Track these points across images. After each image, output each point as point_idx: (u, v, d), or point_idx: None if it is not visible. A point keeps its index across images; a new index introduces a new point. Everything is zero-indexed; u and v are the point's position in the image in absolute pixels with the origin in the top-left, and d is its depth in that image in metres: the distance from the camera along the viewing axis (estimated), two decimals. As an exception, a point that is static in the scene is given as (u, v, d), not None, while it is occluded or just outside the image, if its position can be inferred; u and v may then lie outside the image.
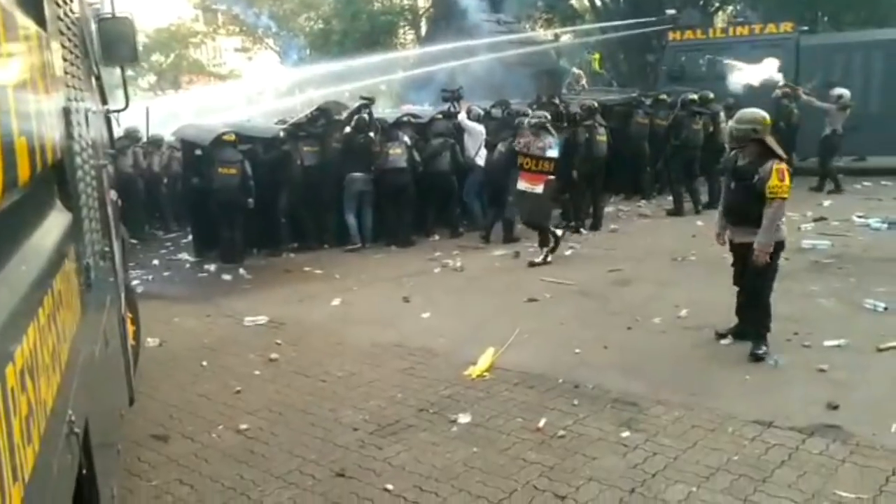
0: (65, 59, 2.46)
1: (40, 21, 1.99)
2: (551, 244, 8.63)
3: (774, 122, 13.26)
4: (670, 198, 11.79)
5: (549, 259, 8.55)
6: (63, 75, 2.38)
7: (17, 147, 1.38)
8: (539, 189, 8.46)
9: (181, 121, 11.72)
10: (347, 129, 9.99)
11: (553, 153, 8.48)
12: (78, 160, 2.54)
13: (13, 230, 1.49)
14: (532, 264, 8.43)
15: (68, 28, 2.72)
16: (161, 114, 13.18)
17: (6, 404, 1.15)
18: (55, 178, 2.09)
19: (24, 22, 1.64)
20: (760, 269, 5.15)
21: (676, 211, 11.31)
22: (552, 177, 8.48)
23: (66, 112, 2.33)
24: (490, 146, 10.20)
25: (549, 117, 8.87)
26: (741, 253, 5.36)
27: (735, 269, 5.53)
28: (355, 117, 9.98)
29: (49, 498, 1.34)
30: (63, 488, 1.53)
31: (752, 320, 5.35)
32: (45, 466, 1.34)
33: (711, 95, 11.76)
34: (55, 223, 1.94)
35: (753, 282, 5.28)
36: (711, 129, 11.31)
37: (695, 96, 11.46)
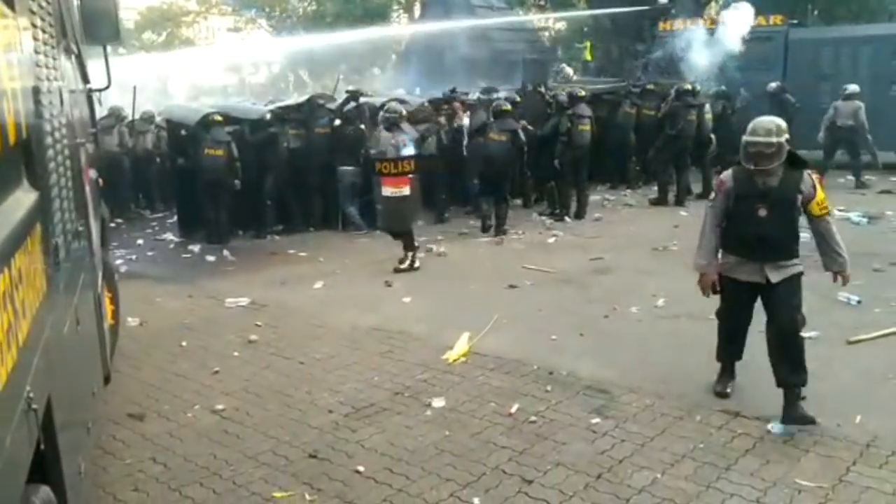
0: (35, 39, 2.47)
1: (9, 3, 2.00)
2: (416, 250, 8.00)
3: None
4: (656, 187, 11.87)
5: (416, 264, 7.90)
6: (32, 55, 2.38)
7: None
8: (406, 191, 7.78)
9: (169, 98, 11.68)
10: (338, 122, 10.02)
11: (409, 151, 7.88)
12: (48, 139, 2.55)
13: None
14: (398, 270, 7.82)
15: (41, 7, 2.71)
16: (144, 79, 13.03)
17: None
18: (22, 157, 2.10)
19: None
20: (799, 304, 4.23)
21: (660, 200, 11.40)
22: (413, 175, 7.83)
23: (36, 91, 2.34)
24: (477, 132, 10.12)
25: (403, 113, 8.26)
26: (773, 296, 4.23)
27: (742, 317, 4.39)
28: (345, 109, 10.02)
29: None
30: (17, 461, 1.56)
31: (792, 370, 4.13)
32: None
33: (699, 87, 11.80)
34: (19, 202, 1.96)
35: (798, 321, 4.21)
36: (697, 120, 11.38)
37: (689, 86, 11.51)
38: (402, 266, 7.88)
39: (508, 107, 9.58)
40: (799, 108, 12.90)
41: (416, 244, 8.09)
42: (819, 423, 4.05)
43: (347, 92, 10.35)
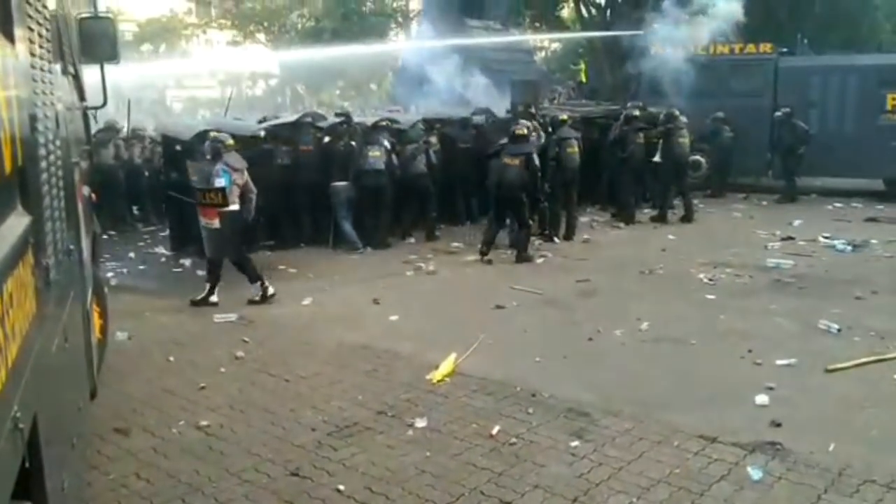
0: (33, 67, 2.54)
1: (5, 28, 2.06)
2: (215, 286, 7.54)
3: (790, 145, 13.46)
4: (647, 210, 12.06)
5: (213, 299, 7.50)
6: (30, 82, 2.45)
7: None
8: (215, 224, 7.35)
9: (166, 109, 11.78)
10: (327, 139, 10.14)
11: (220, 182, 7.25)
12: (43, 164, 2.61)
13: None
14: (194, 302, 7.48)
15: (40, 35, 2.79)
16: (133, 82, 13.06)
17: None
18: (17, 183, 2.17)
19: None
20: None
21: (627, 217, 11.83)
22: (228, 208, 7.29)
23: (32, 118, 2.40)
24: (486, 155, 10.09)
25: (226, 143, 7.52)
26: None
27: None
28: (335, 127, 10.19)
29: None
30: (2, 480, 1.62)
31: None
32: None
33: (677, 112, 12.01)
34: (12, 227, 2.01)
35: None
36: (682, 142, 11.68)
37: (637, 112, 11.98)
38: (197, 298, 7.48)
39: (524, 131, 9.40)
40: (811, 134, 13.09)
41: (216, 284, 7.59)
42: (792, 449, 4.14)
43: (337, 114, 10.51)
